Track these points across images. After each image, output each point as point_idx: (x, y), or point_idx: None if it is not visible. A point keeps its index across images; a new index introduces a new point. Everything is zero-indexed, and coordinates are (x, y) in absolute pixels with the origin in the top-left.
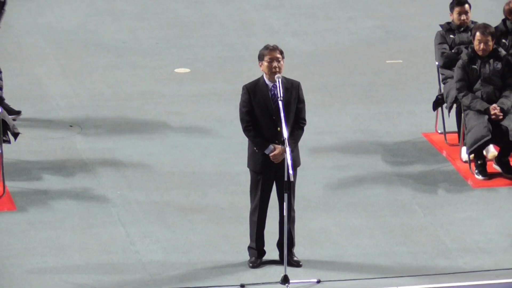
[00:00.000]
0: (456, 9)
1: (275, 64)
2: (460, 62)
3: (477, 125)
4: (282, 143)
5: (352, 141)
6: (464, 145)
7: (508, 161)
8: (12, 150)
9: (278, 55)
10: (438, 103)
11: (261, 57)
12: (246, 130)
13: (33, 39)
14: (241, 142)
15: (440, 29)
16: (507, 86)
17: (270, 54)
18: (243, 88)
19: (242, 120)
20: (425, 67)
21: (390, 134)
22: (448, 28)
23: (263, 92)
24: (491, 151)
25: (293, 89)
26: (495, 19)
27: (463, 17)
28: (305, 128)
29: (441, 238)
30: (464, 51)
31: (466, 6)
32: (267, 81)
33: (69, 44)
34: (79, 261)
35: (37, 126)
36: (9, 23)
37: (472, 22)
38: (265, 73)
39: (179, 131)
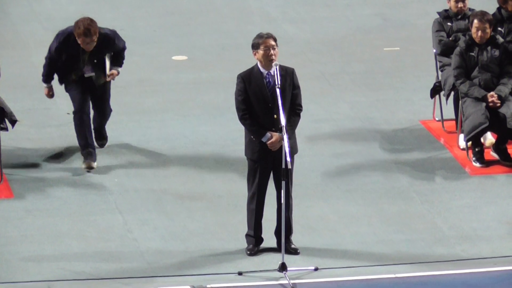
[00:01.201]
0: None
1: (271, 52)
2: (457, 50)
3: (474, 113)
4: (279, 130)
5: (350, 129)
6: (462, 132)
7: (506, 148)
8: (10, 138)
9: (273, 43)
10: (435, 90)
11: (255, 46)
12: (242, 118)
13: (30, 26)
14: (239, 130)
15: (438, 16)
16: (504, 73)
17: (265, 42)
18: (237, 77)
19: (238, 109)
20: (422, 55)
21: (388, 121)
22: (446, 15)
23: (258, 80)
24: (489, 138)
25: (287, 76)
26: (492, 7)
27: (460, 4)
28: (303, 115)
29: (439, 225)
30: (462, 38)
31: None
32: (261, 69)
33: None
34: (76, 249)
35: (34, 114)
36: (7, 11)
37: (470, 9)
38: (260, 61)
39: (176, 119)
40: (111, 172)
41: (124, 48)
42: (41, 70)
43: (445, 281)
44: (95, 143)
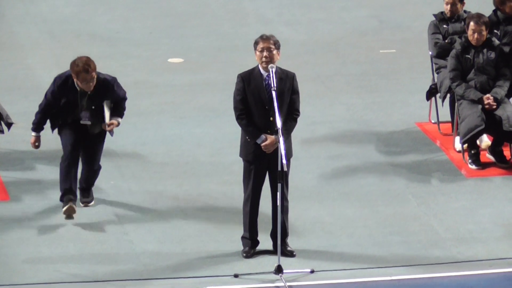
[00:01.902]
0: (445, 0)
1: (265, 53)
2: (453, 52)
3: (470, 115)
4: (275, 133)
5: (346, 131)
6: (458, 134)
7: (502, 151)
8: (6, 140)
9: (271, 45)
10: (431, 92)
11: (255, 46)
12: (239, 118)
13: (26, 28)
14: (235, 132)
15: (434, 18)
16: (500, 75)
17: (263, 43)
18: (237, 77)
19: (235, 108)
20: (418, 57)
21: (384, 123)
22: (442, 18)
23: (257, 81)
24: (485, 140)
25: (287, 80)
26: (488, 9)
27: (450, 7)
28: (299, 118)
29: (435, 227)
30: (458, 40)
31: None
32: (262, 71)
33: (62, 34)
34: (73, 251)
35: (30, 116)
36: (2, 13)
37: (465, 11)
38: (258, 62)
39: (172, 121)
40: (107, 174)
41: (124, 98)
42: (36, 72)
43: (441, 283)
44: (79, 201)
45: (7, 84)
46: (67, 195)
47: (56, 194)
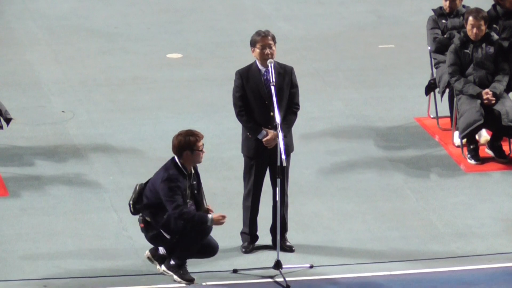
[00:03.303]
0: None
1: (267, 51)
2: (452, 47)
3: (469, 110)
4: (275, 128)
5: (344, 126)
6: (457, 129)
7: (501, 146)
8: (5, 136)
9: (270, 42)
10: (430, 87)
11: (253, 44)
12: (239, 115)
13: (24, 24)
14: (234, 127)
15: (432, 13)
16: (499, 70)
17: (262, 41)
18: (236, 73)
19: (235, 105)
20: (417, 52)
21: (382, 119)
22: (440, 13)
23: (255, 77)
24: (484, 135)
25: (286, 74)
26: (487, 4)
27: (448, 2)
28: (297, 113)
29: (434, 222)
30: (457, 35)
31: None
32: (260, 66)
33: (61, 30)
34: (71, 247)
35: (29, 112)
36: (1, 9)
37: (464, 6)
38: (258, 59)
39: (171, 117)
40: (105, 170)
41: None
42: (35, 67)
43: (440, 278)
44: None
45: (5, 80)
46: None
47: (55, 189)
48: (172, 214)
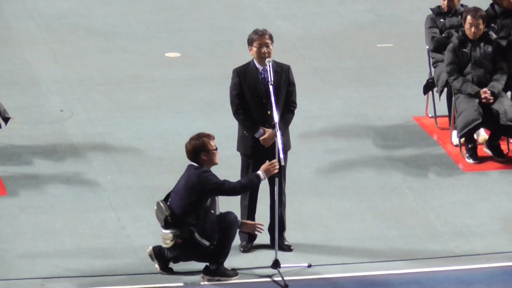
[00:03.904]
0: None
1: (264, 49)
2: (450, 46)
3: (467, 109)
4: (272, 126)
5: (343, 125)
6: (455, 128)
7: (499, 145)
8: (3, 135)
9: (267, 40)
10: (428, 86)
11: (250, 42)
12: (236, 113)
13: (23, 23)
14: (232, 126)
15: (431, 13)
16: (497, 69)
17: (259, 39)
18: (233, 72)
19: (232, 103)
20: (415, 51)
21: (381, 117)
22: (439, 11)
23: (253, 76)
24: (482, 134)
25: (283, 73)
26: (485, 3)
27: (446, 2)
28: (296, 112)
29: (432, 221)
30: (455, 34)
31: None
32: (257, 65)
33: (60, 29)
34: (70, 246)
35: (27, 111)
36: None
37: (462, 5)
38: (255, 57)
39: (169, 116)
40: (104, 169)
41: None
42: (33, 66)
43: (438, 277)
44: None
45: (4, 79)
46: None
47: (53, 188)
48: (229, 191)
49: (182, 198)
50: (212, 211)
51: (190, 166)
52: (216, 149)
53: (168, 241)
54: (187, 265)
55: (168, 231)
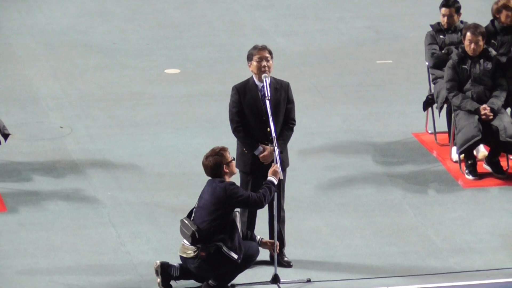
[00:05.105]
0: (441, 11)
1: (264, 63)
2: (450, 62)
3: (467, 125)
4: (271, 141)
5: (343, 142)
6: (455, 145)
7: (499, 161)
8: (3, 151)
9: (267, 55)
10: (428, 103)
11: (250, 57)
12: (236, 131)
13: (23, 40)
14: (232, 143)
15: (430, 29)
16: (497, 86)
17: (259, 53)
18: (232, 89)
19: (231, 121)
20: (415, 67)
21: (381, 134)
22: (438, 28)
23: (252, 93)
24: (482, 151)
25: (282, 89)
26: (485, 19)
27: (446, 19)
28: (296, 128)
29: (432, 238)
30: (455, 51)
31: (450, 9)
32: (256, 82)
33: (59, 45)
34: (69, 262)
35: (27, 127)
36: None
37: (462, 22)
38: (254, 73)
39: (169, 132)
40: (104, 185)
41: None
42: (33, 83)
43: None
44: None
45: (3, 95)
46: None
47: (53, 205)
48: (256, 203)
49: (209, 213)
50: (238, 225)
51: (212, 180)
52: (233, 159)
53: (189, 252)
54: (187, 283)
55: (194, 246)
